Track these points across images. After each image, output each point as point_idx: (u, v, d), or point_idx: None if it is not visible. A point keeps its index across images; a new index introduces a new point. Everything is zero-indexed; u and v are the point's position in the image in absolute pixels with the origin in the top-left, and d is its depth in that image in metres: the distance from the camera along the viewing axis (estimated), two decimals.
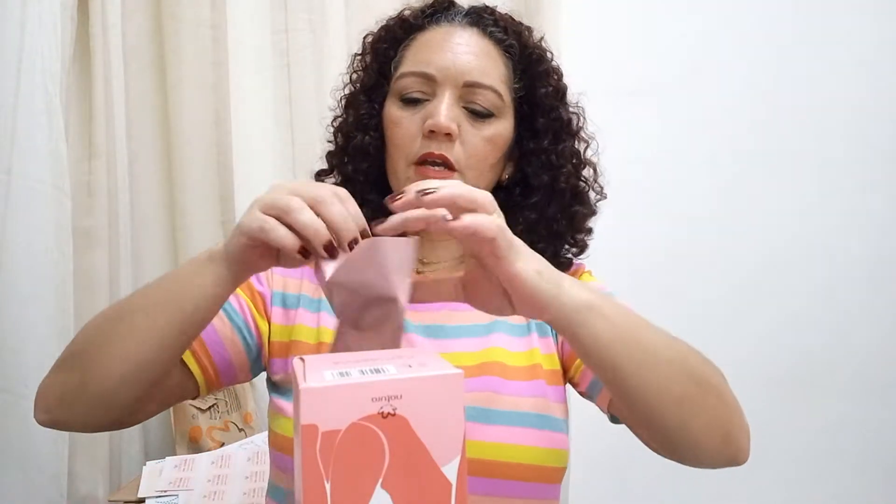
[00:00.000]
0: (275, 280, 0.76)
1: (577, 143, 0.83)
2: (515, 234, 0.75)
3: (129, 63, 1.22)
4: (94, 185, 1.19)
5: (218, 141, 1.26)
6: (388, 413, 0.35)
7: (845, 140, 1.51)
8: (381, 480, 0.36)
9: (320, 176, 0.86)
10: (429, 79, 0.75)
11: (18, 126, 1.06)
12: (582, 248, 0.83)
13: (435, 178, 0.71)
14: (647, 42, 1.47)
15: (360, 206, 0.81)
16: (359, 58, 0.86)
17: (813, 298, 1.52)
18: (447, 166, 0.74)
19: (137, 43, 1.24)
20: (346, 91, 0.87)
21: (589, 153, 0.85)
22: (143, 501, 1.03)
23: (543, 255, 0.76)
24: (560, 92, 0.82)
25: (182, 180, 1.24)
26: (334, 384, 0.35)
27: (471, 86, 0.75)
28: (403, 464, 0.36)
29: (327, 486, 0.35)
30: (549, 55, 0.83)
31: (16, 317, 1.07)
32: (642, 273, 1.39)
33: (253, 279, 0.76)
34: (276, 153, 1.31)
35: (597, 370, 0.54)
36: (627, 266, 1.38)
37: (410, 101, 0.76)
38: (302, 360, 0.40)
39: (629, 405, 0.55)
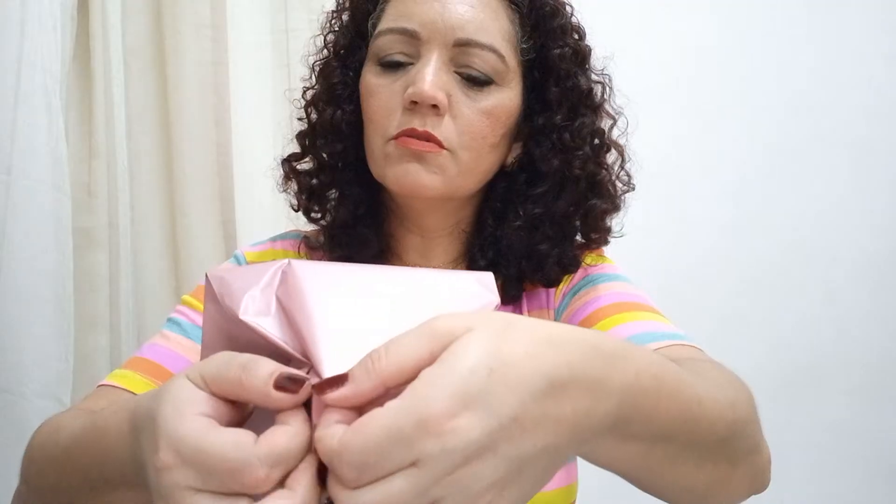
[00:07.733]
0: None
1: (600, 119, 0.70)
2: (512, 230, 0.66)
3: (129, 63, 1.22)
4: (94, 185, 1.18)
5: (218, 141, 1.25)
6: None
7: (850, 140, 1.51)
8: None
9: (290, 161, 0.75)
10: (411, 36, 0.61)
11: (18, 126, 1.05)
12: (599, 246, 0.73)
13: (419, 150, 0.61)
14: (651, 42, 1.47)
15: (340, 203, 0.72)
16: (334, 16, 0.72)
17: (817, 299, 1.52)
18: (434, 143, 0.61)
19: (137, 43, 1.24)
20: (322, 56, 0.73)
21: (615, 133, 0.72)
22: None
23: (546, 261, 0.68)
24: (580, 54, 0.68)
25: (182, 180, 1.23)
26: None
27: (464, 45, 0.60)
28: None
29: None
30: (567, 9, 0.69)
31: (16, 317, 1.06)
32: (645, 274, 1.38)
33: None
34: (276, 153, 1.31)
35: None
36: (632, 269, 1.38)
37: (390, 66, 0.63)
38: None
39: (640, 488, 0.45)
